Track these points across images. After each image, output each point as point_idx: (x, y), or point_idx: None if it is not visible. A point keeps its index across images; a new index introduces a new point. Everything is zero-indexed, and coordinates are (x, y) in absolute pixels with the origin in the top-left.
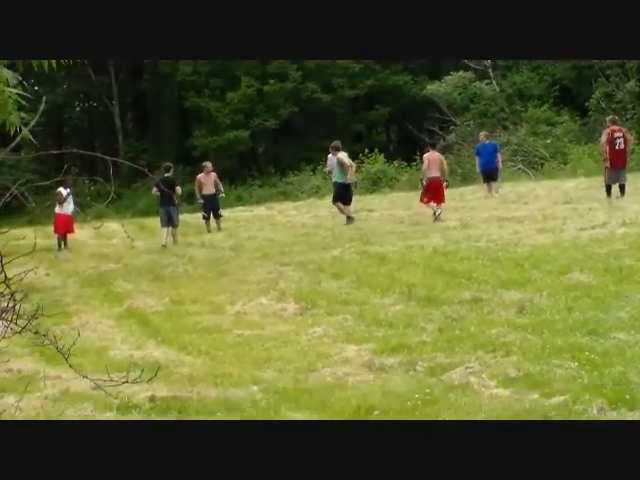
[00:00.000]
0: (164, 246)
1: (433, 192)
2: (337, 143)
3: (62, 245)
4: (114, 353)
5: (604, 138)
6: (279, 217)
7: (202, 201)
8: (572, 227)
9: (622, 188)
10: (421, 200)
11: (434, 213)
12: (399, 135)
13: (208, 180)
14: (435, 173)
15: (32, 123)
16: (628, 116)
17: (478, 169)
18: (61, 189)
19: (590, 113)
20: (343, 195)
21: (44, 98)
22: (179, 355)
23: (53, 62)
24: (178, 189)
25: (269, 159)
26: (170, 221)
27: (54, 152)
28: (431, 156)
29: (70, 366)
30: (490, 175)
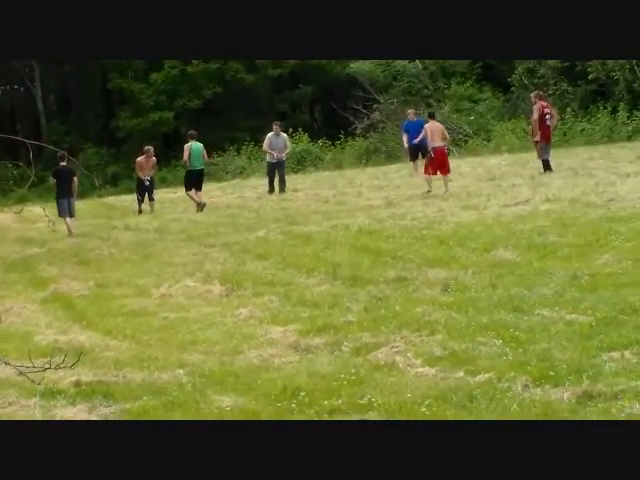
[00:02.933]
0: (70, 234)
1: (439, 162)
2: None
3: None
4: (39, 338)
5: (536, 114)
6: (204, 198)
7: (147, 182)
8: (496, 204)
9: (547, 164)
10: (425, 171)
11: (428, 191)
12: (323, 114)
13: (148, 164)
14: (439, 142)
15: None
16: (550, 92)
17: (405, 146)
18: None
19: (513, 89)
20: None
21: None
22: (104, 339)
23: None
24: (75, 180)
25: None
26: (70, 211)
27: None
28: (432, 126)
29: None
30: (422, 152)
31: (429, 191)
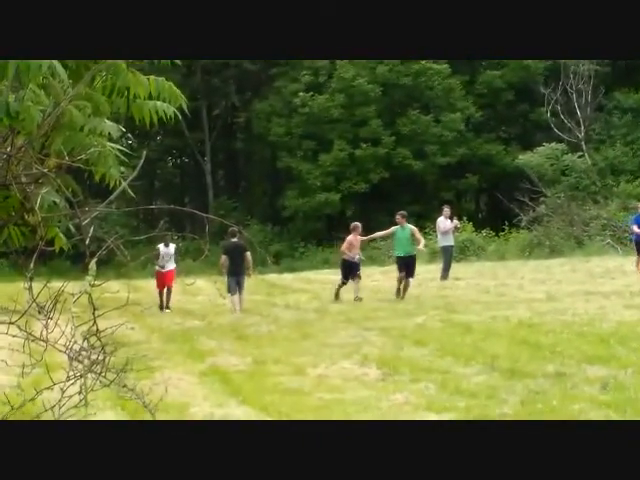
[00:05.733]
0: (236, 312)
1: None
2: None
3: (164, 305)
4: (195, 410)
5: None
6: (366, 281)
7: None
8: None
9: None
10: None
11: None
12: (488, 204)
13: (356, 242)
14: None
15: (131, 177)
16: None
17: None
18: (160, 246)
19: None
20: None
21: (144, 153)
22: (259, 415)
23: (155, 117)
24: (249, 255)
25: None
26: (240, 289)
27: (152, 207)
28: None
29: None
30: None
31: None
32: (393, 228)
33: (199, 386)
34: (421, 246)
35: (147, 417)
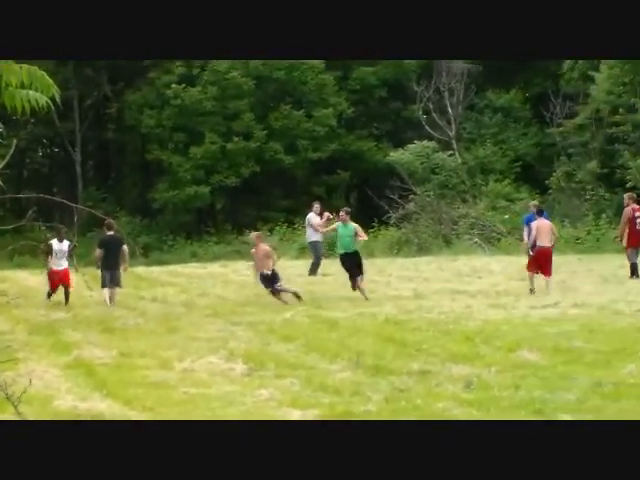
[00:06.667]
0: (108, 305)
1: (542, 263)
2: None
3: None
4: (58, 403)
5: (626, 216)
6: (232, 276)
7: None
8: (524, 305)
9: (635, 268)
10: (528, 269)
11: (531, 290)
12: (358, 201)
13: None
14: (545, 242)
15: (0, 165)
16: (587, 197)
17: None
18: (54, 242)
19: (550, 191)
20: None
21: (14, 142)
22: (123, 409)
23: (27, 106)
24: (125, 249)
25: (227, 217)
26: (113, 282)
27: (20, 196)
28: (540, 223)
29: (19, 414)
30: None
31: (531, 289)
32: (335, 224)
33: (63, 379)
34: (360, 239)
35: (10, 409)
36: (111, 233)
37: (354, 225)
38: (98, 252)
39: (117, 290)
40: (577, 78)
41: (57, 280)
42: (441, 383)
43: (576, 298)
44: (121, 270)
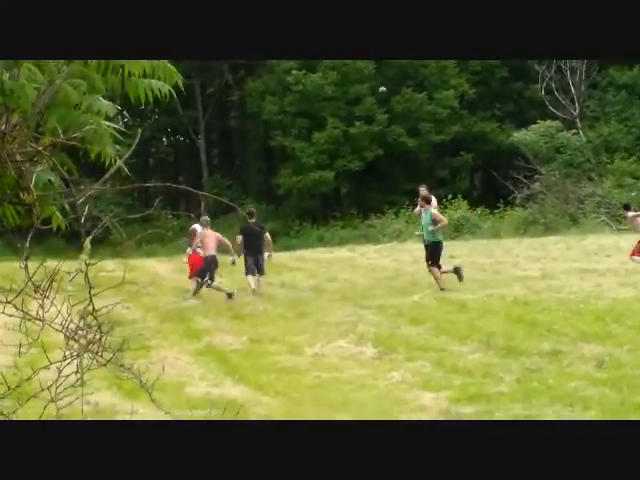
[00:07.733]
0: (254, 291)
1: None
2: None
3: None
4: (191, 390)
5: None
6: (360, 260)
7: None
8: None
9: None
10: (632, 253)
11: None
12: (483, 182)
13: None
14: None
15: (126, 155)
16: None
17: None
18: (196, 226)
19: None
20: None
21: (139, 131)
22: (256, 395)
23: (150, 95)
24: (268, 236)
25: (352, 201)
26: (259, 270)
27: (147, 185)
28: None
29: (153, 401)
30: None
31: None
32: (417, 209)
33: (196, 365)
34: (439, 226)
35: (144, 397)
36: (252, 220)
37: (433, 211)
38: (239, 239)
39: (263, 279)
40: None
41: (198, 264)
42: (573, 363)
43: None
44: (265, 256)
